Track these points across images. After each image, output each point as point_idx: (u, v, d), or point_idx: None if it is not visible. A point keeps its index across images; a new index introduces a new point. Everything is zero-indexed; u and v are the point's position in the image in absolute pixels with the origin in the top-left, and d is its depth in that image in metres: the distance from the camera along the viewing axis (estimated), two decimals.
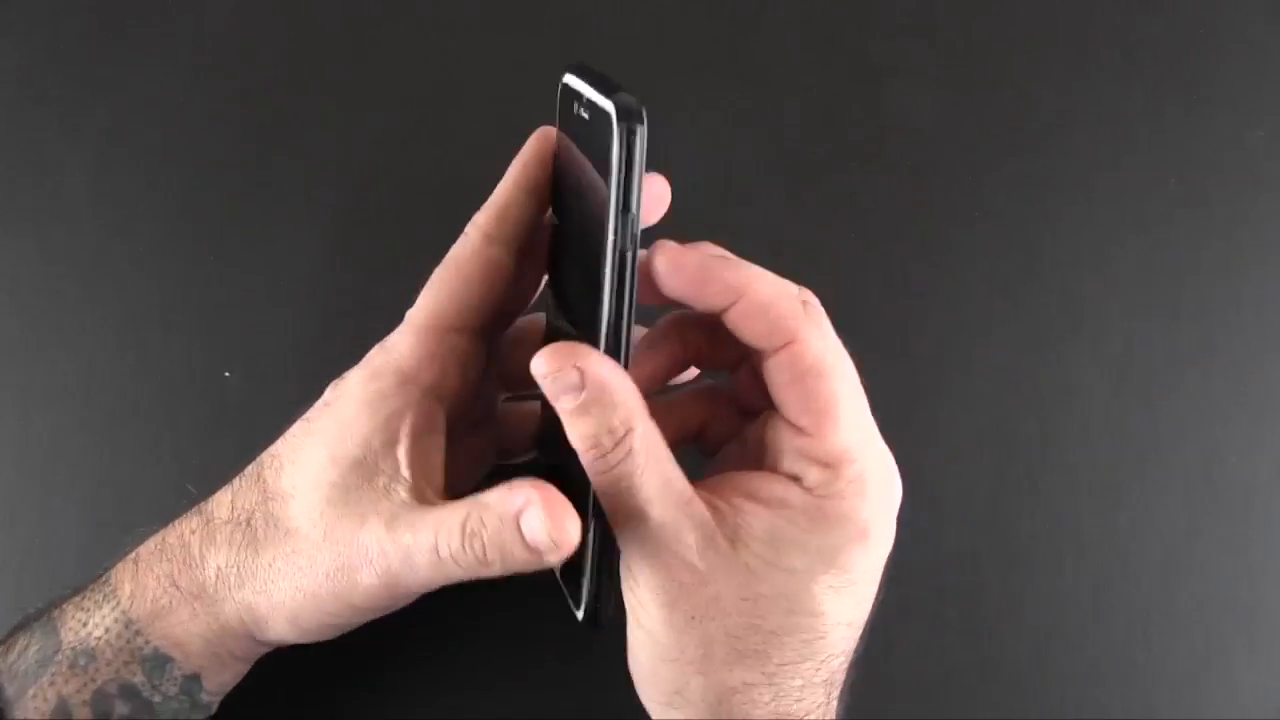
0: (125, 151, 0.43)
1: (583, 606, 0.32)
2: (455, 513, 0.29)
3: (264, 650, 0.34)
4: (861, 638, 0.31)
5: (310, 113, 0.43)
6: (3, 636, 0.33)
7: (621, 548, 0.30)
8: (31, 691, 0.31)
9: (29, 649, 0.32)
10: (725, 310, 0.30)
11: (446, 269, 0.32)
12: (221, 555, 0.32)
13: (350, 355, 0.33)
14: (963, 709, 0.39)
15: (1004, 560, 0.40)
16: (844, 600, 0.30)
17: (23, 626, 0.33)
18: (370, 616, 0.32)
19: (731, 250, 0.31)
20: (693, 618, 0.29)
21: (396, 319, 0.33)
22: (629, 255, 0.28)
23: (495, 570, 0.29)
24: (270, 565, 0.31)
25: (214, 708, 0.34)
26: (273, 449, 0.33)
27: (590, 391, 0.28)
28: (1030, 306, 0.42)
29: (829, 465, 0.30)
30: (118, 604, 0.32)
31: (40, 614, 0.33)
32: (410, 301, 0.32)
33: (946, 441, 0.41)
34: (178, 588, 0.32)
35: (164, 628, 0.32)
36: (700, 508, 0.29)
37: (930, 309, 0.42)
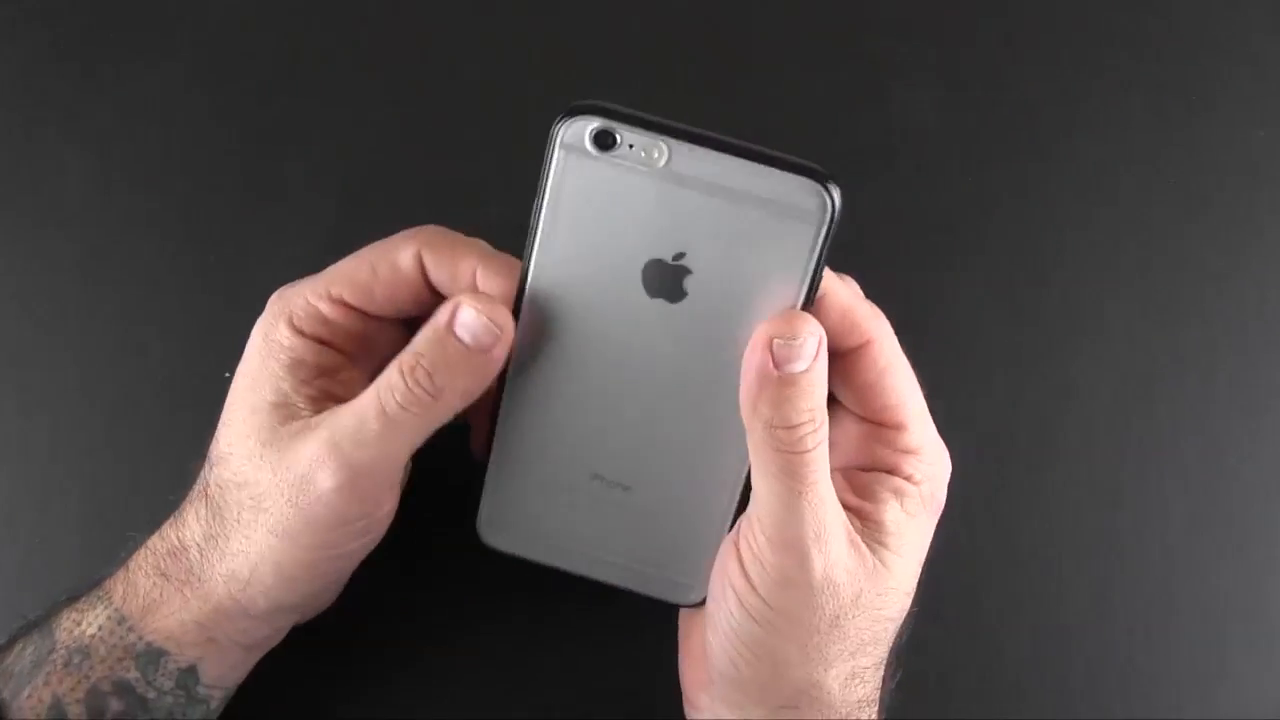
0: (125, 152, 0.43)
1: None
2: (389, 369, 0.29)
3: (263, 631, 0.33)
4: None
5: (310, 113, 0.43)
6: (2, 642, 0.32)
7: (766, 552, 0.29)
8: (26, 692, 0.31)
9: (25, 651, 0.32)
10: None
11: (374, 252, 0.32)
12: (195, 531, 0.32)
13: None
14: (963, 709, 0.39)
15: (1004, 560, 0.40)
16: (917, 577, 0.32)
17: (21, 632, 0.32)
18: (352, 540, 0.31)
19: None
20: (838, 618, 0.29)
21: None
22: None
23: (448, 399, 0.29)
24: (238, 521, 0.31)
25: (215, 704, 0.33)
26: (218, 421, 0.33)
27: (820, 361, 0.28)
28: (1031, 306, 0.42)
29: (916, 453, 0.31)
30: (110, 603, 0.32)
31: (38, 620, 0.33)
32: None
33: (947, 441, 0.41)
34: (166, 578, 0.32)
35: (156, 621, 0.32)
36: (839, 503, 0.30)
37: (931, 309, 0.42)
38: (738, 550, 0.30)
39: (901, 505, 0.31)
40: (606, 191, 0.29)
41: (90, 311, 0.42)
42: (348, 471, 0.29)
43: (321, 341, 0.32)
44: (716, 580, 0.31)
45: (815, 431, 0.28)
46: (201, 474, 0.33)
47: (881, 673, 0.32)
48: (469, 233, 0.33)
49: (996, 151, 0.44)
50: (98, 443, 0.40)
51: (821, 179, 0.28)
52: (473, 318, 0.29)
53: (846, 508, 0.30)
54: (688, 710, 0.34)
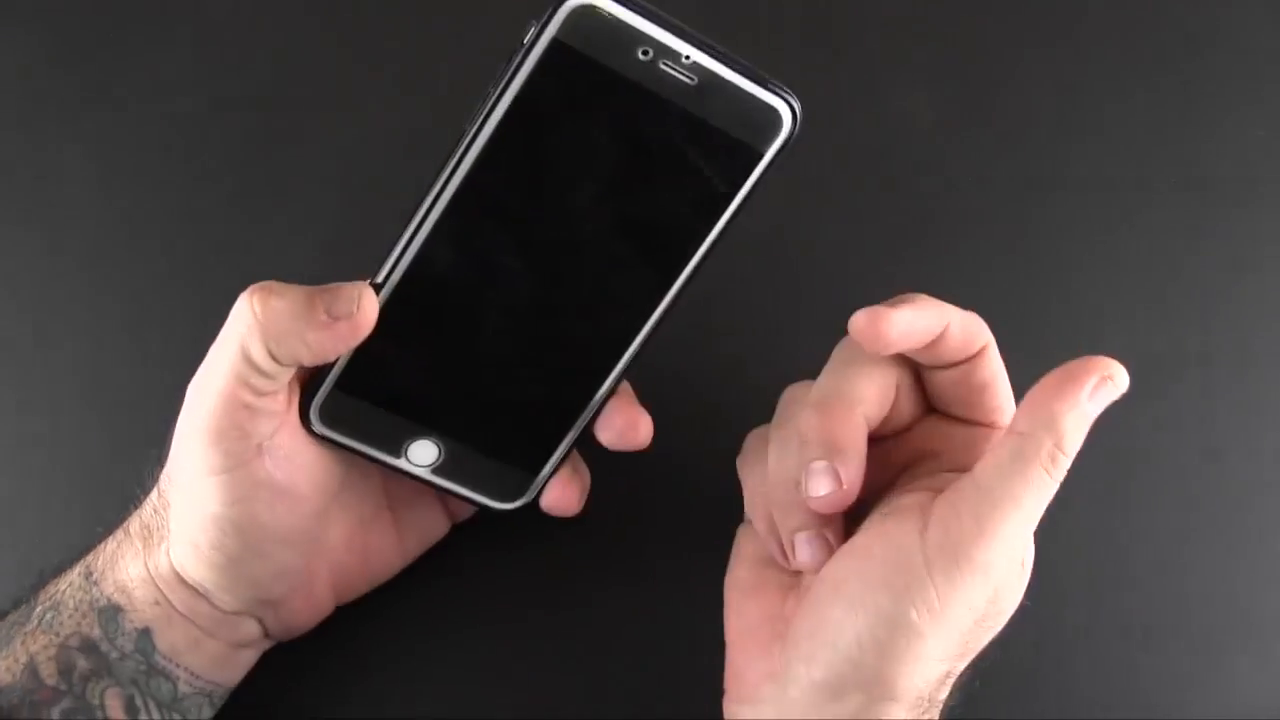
0: (125, 152, 0.43)
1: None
2: None
3: (207, 610, 0.33)
4: None
5: (310, 113, 0.43)
6: None
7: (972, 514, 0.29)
8: (4, 653, 0.32)
9: (8, 619, 0.33)
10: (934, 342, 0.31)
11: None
12: (154, 497, 0.33)
13: None
14: (963, 709, 0.39)
15: None
16: None
17: (11, 607, 0.34)
18: (263, 486, 0.31)
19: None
20: (981, 620, 0.30)
21: None
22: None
23: (267, 308, 0.29)
24: (179, 468, 0.32)
25: (176, 677, 0.33)
26: None
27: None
28: (1030, 306, 0.42)
29: None
30: (84, 565, 0.33)
31: (26, 595, 0.34)
32: None
33: None
34: (127, 533, 0.33)
35: (115, 575, 0.33)
36: None
37: None
38: (925, 535, 0.29)
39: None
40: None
41: (90, 311, 0.41)
42: (240, 385, 0.30)
43: None
44: (885, 567, 0.30)
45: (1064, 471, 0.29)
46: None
47: (962, 670, 0.32)
48: None
49: (996, 151, 0.44)
50: (98, 443, 0.40)
51: (765, 80, 0.29)
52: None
53: None
54: (734, 708, 0.33)
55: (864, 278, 0.42)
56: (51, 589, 0.33)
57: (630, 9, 0.27)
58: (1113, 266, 0.43)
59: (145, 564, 0.33)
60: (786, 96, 0.29)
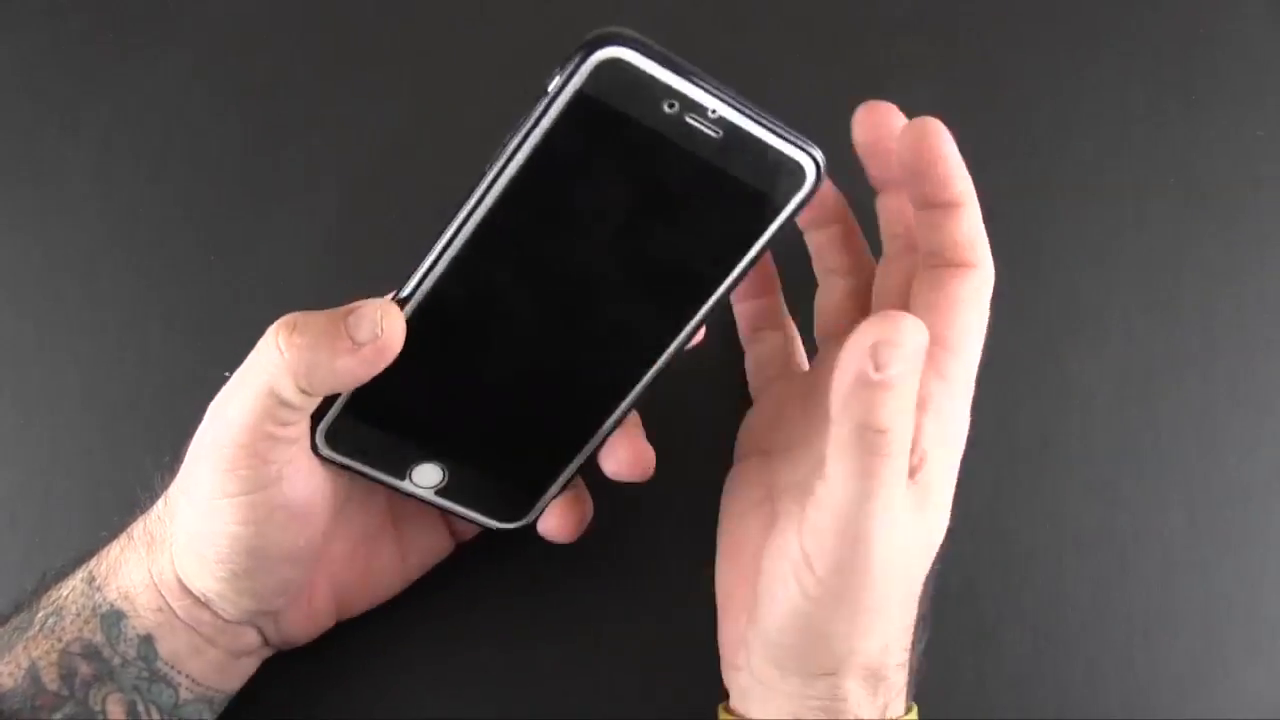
0: (125, 151, 0.43)
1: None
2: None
3: (209, 619, 0.33)
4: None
5: (310, 113, 0.43)
6: None
7: (830, 543, 0.28)
8: (6, 658, 0.32)
9: (11, 623, 0.33)
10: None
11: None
12: (163, 496, 0.33)
13: None
14: (963, 709, 0.39)
15: (1004, 560, 0.40)
16: None
17: (13, 611, 0.33)
18: (263, 506, 0.31)
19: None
20: (888, 595, 0.29)
21: None
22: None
23: (293, 346, 0.29)
24: (192, 487, 0.31)
25: (177, 684, 0.33)
26: None
27: (919, 364, 0.27)
28: (1030, 306, 0.42)
29: (953, 383, 0.31)
30: (86, 569, 0.33)
31: (29, 597, 0.34)
32: None
33: None
34: (130, 537, 0.33)
35: (118, 581, 0.33)
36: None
37: None
38: (800, 531, 0.29)
39: (944, 454, 0.30)
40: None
41: (91, 311, 0.42)
42: (258, 394, 0.30)
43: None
44: (774, 555, 0.31)
45: (901, 437, 0.27)
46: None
47: (911, 635, 0.32)
48: None
49: (996, 151, 0.44)
50: (98, 443, 0.40)
51: (796, 137, 0.29)
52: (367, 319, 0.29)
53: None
54: (726, 673, 0.34)
55: None
56: (54, 593, 0.33)
57: (657, 62, 0.27)
58: (1113, 266, 0.43)
59: (149, 570, 0.32)
60: (810, 150, 0.29)
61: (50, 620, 0.32)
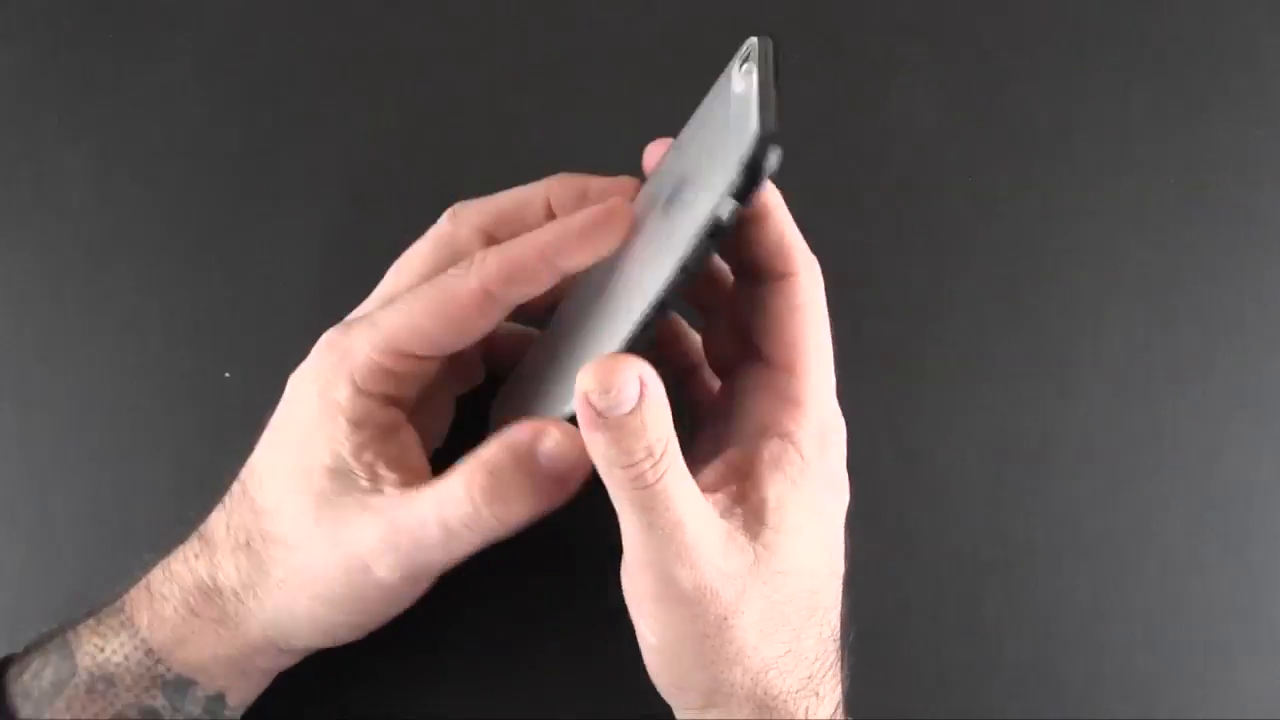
0: (125, 151, 0.43)
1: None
2: (453, 481, 0.29)
3: (290, 660, 0.34)
4: (848, 593, 0.32)
5: (310, 113, 0.43)
6: (16, 655, 0.32)
7: (635, 573, 0.29)
8: (47, 713, 0.31)
9: (44, 671, 0.31)
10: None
11: (434, 302, 0.30)
12: (233, 578, 0.31)
13: None
14: (963, 709, 0.39)
15: (1004, 560, 0.40)
16: (833, 552, 0.31)
17: (36, 648, 0.32)
18: (397, 608, 0.32)
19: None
20: (725, 619, 0.29)
21: None
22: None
23: (511, 518, 0.29)
24: (283, 583, 0.31)
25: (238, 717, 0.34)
26: (252, 460, 0.32)
27: (650, 393, 0.26)
28: (1031, 307, 0.42)
29: (800, 405, 0.31)
30: (136, 632, 0.32)
31: (53, 635, 0.32)
32: None
33: (947, 442, 0.41)
34: (197, 615, 0.31)
35: (187, 654, 0.31)
36: (709, 506, 0.29)
37: (930, 310, 0.42)
38: (625, 575, 0.30)
39: (785, 475, 0.30)
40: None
41: (90, 311, 0.41)
42: (407, 567, 0.30)
43: (385, 398, 0.31)
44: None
45: (656, 464, 0.26)
46: (240, 508, 0.32)
47: (812, 661, 0.31)
48: None
49: (996, 151, 0.44)
50: (98, 443, 0.40)
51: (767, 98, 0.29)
52: (558, 448, 0.28)
53: (728, 496, 0.29)
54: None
55: (863, 278, 0.42)
56: (95, 653, 0.31)
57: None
58: (1113, 267, 0.43)
59: (230, 646, 0.32)
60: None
61: (100, 685, 0.31)
